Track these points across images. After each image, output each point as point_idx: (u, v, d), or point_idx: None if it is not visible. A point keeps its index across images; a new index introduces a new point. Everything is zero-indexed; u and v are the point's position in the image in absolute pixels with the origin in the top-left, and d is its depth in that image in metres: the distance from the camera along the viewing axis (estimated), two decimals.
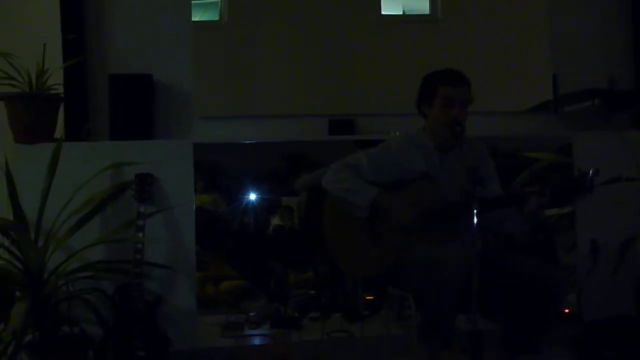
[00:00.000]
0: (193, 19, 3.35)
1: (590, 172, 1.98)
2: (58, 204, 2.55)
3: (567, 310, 2.98)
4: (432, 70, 2.36)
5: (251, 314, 3.35)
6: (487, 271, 2.00)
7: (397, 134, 2.85)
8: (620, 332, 2.63)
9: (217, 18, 3.51)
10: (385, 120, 3.38)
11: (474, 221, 1.87)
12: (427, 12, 3.68)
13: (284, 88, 3.48)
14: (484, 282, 1.90)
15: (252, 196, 3.84)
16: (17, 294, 2.50)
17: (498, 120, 3.47)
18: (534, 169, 3.39)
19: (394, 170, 2.34)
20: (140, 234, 2.59)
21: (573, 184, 2.04)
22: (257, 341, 3.15)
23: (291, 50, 3.49)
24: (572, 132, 3.28)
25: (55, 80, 2.82)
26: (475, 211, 1.87)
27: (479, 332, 1.83)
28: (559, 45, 3.51)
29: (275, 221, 3.90)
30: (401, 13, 3.70)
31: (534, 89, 3.57)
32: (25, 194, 2.53)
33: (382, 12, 3.61)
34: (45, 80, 2.75)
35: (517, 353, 2.17)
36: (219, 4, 3.50)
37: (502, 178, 2.45)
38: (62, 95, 2.88)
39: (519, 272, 2.10)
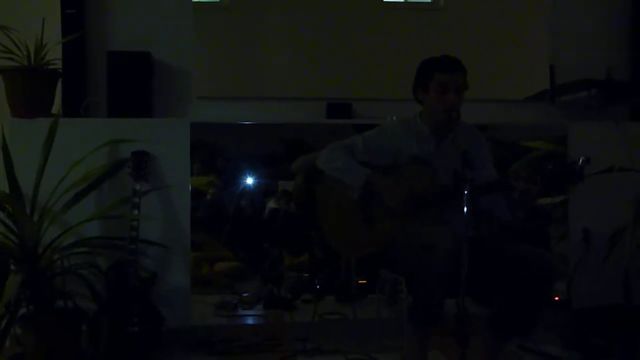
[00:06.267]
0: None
1: (581, 160, 1.97)
2: (54, 179, 2.55)
3: (557, 298, 3.01)
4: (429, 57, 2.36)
5: (245, 294, 3.37)
6: (478, 255, 2.02)
7: (395, 118, 2.86)
8: (608, 320, 2.66)
9: None
10: (383, 106, 3.38)
11: (464, 204, 1.88)
12: (429, 0, 3.66)
13: (282, 70, 3.46)
14: (475, 266, 1.92)
15: (249, 179, 3.84)
16: (12, 267, 2.52)
17: (495, 108, 3.47)
18: (529, 157, 3.40)
19: (388, 153, 2.35)
20: (136, 212, 2.60)
21: (563, 171, 2.05)
22: (250, 321, 3.18)
23: (291, 33, 3.48)
24: (567, 121, 3.29)
25: (54, 56, 2.82)
26: (465, 193, 1.88)
27: (466, 314, 1.85)
28: (557, 34, 3.51)
29: (272, 204, 3.91)
30: (403, 0, 3.68)
31: (532, 78, 3.57)
32: (21, 168, 2.53)
33: None
34: (44, 55, 2.74)
35: (506, 337, 2.20)
36: None
37: (498, 166, 2.46)
38: (61, 70, 2.88)
39: (510, 256, 2.11)
